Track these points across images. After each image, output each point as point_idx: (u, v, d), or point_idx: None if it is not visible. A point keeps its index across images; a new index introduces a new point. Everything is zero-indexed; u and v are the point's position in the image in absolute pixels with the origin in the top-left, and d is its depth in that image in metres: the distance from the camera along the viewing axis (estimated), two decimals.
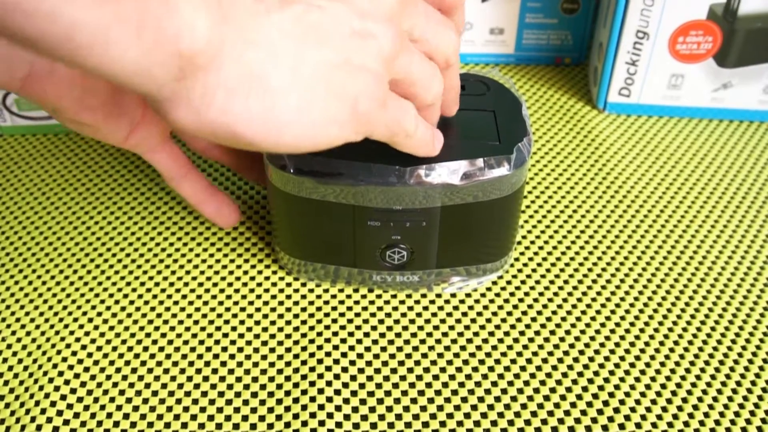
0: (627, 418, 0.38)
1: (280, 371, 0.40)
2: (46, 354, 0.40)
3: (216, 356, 0.40)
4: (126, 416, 0.37)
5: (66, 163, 0.53)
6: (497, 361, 0.40)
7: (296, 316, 0.42)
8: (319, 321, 0.42)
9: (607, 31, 0.56)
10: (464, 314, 0.43)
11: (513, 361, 0.40)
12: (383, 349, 0.41)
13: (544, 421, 0.37)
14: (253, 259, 0.46)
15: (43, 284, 0.44)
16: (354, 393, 0.39)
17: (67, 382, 0.39)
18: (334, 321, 0.42)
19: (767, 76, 0.56)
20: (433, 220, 0.40)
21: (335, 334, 0.41)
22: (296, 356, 0.40)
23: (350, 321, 0.42)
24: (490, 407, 0.38)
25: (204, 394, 0.38)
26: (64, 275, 0.45)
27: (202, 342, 0.41)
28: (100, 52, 0.23)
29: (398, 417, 0.38)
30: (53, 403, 0.38)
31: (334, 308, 0.43)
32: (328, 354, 0.40)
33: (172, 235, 0.47)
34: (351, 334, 0.41)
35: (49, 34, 0.22)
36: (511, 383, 0.39)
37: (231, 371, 0.40)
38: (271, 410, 0.38)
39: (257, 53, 0.27)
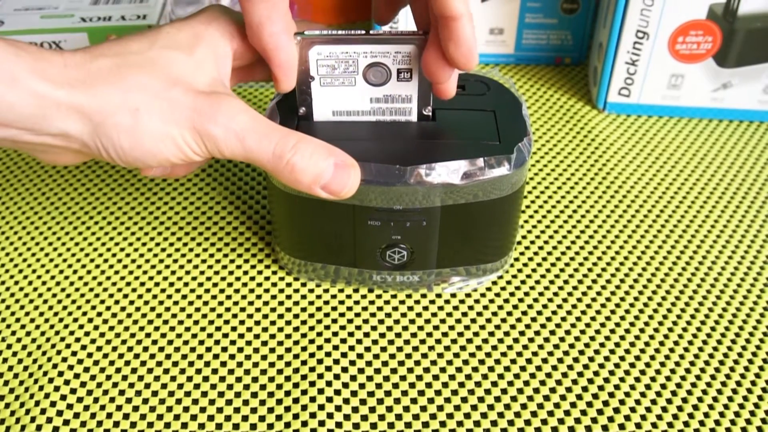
0: (627, 418, 0.38)
1: (280, 371, 0.40)
2: (45, 354, 0.40)
3: (216, 356, 0.40)
4: (126, 416, 0.37)
5: None
6: (497, 361, 0.40)
7: (296, 316, 0.42)
8: (319, 321, 0.42)
9: (607, 31, 0.56)
10: (464, 314, 0.43)
11: (513, 361, 0.40)
12: (383, 349, 0.41)
13: (544, 421, 0.37)
14: (253, 259, 0.46)
15: (43, 284, 0.44)
16: (354, 393, 0.39)
17: (67, 382, 0.39)
18: (334, 321, 0.42)
19: (767, 76, 0.56)
20: (433, 219, 0.40)
21: (335, 334, 0.41)
22: (296, 356, 0.40)
23: (350, 321, 0.42)
24: (490, 407, 0.38)
25: (204, 394, 0.38)
26: (64, 275, 0.45)
27: (202, 342, 0.41)
28: None
29: (398, 417, 0.38)
30: (53, 403, 0.38)
31: (334, 308, 0.43)
32: (328, 354, 0.40)
33: (172, 235, 0.47)
34: (351, 334, 0.41)
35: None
36: (511, 383, 0.39)
37: (231, 371, 0.39)
38: (271, 410, 0.38)
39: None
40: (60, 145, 0.34)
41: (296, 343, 0.41)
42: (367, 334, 0.42)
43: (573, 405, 0.38)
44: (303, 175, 0.35)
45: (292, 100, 0.42)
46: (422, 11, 0.40)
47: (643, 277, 0.45)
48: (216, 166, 0.53)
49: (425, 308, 0.43)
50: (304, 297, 0.44)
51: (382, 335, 0.42)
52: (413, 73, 0.39)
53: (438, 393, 0.39)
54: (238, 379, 0.39)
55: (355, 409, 0.38)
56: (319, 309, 0.43)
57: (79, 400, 0.38)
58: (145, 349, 0.41)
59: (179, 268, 0.45)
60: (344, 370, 0.40)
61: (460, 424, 0.37)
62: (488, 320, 0.42)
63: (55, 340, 0.41)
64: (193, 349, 0.41)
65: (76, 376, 0.39)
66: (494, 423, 0.37)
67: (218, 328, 0.42)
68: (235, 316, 0.42)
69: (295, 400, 0.38)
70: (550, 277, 0.45)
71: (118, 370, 0.39)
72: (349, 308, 0.43)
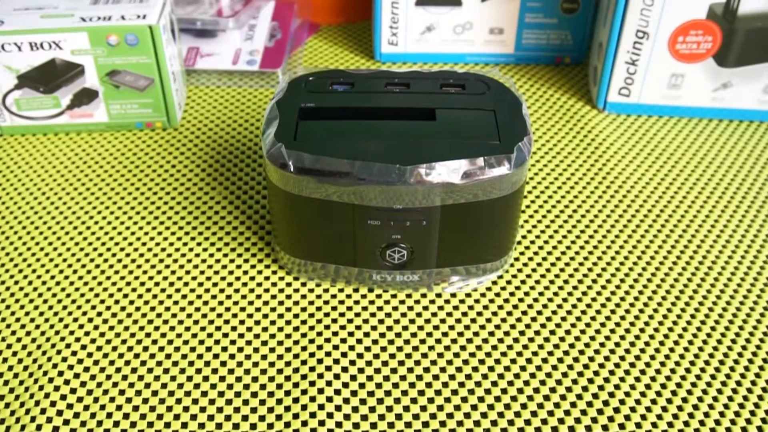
0: (627, 418, 0.38)
1: (280, 371, 0.40)
2: (46, 354, 0.40)
3: (216, 356, 0.40)
4: (126, 416, 0.37)
5: (66, 163, 0.53)
6: (497, 361, 0.40)
7: (296, 316, 0.42)
8: (319, 321, 0.42)
9: (607, 30, 0.56)
10: (464, 314, 0.43)
11: (513, 361, 0.40)
12: (383, 349, 0.41)
13: (544, 421, 0.37)
14: (253, 259, 0.46)
15: (43, 284, 0.44)
16: (354, 393, 0.39)
17: (67, 382, 0.39)
18: (334, 321, 0.42)
19: (767, 75, 0.56)
20: (433, 219, 0.40)
21: (335, 334, 0.41)
22: (296, 356, 0.40)
23: (350, 321, 0.42)
24: (490, 407, 0.38)
25: (204, 394, 0.38)
26: (64, 275, 0.45)
27: (202, 342, 0.41)
28: None
29: (398, 417, 0.38)
30: (53, 403, 0.38)
31: (334, 308, 0.43)
32: (328, 354, 0.40)
33: (172, 235, 0.47)
34: (351, 334, 0.41)
35: None
36: (511, 383, 0.39)
37: (231, 371, 0.39)
38: (271, 410, 0.38)
39: None
40: None
41: (296, 343, 0.41)
42: (367, 334, 0.42)
43: (573, 405, 0.38)
44: None
45: (292, 99, 0.42)
46: None
47: (643, 276, 0.45)
48: (216, 166, 0.53)
49: (425, 308, 0.43)
50: (304, 297, 0.44)
51: (382, 335, 0.42)
52: None
53: (438, 393, 0.39)
54: (238, 379, 0.39)
55: (355, 409, 0.38)
56: (319, 309, 0.43)
57: (79, 400, 0.38)
58: (145, 349, 0.41)
59: (179, 268, 0.45)
60: (344, 369, 0.40)
61: (460, 424, 0.37)
62: (488, 320, 0.42)
63: (55, 339, 0.41)
64: (193, 349, 0.41)
65: (76, 376, 0.39)
66: (494, 423, 0.37)
67: (218, 328, 0.42)
68: (235, 316, 0.42)
69: (295, 400, 0.38)
70: (550, 277, 0.45)
71: (118, 370, 0.39)
72: (349, 308, 0.43)
